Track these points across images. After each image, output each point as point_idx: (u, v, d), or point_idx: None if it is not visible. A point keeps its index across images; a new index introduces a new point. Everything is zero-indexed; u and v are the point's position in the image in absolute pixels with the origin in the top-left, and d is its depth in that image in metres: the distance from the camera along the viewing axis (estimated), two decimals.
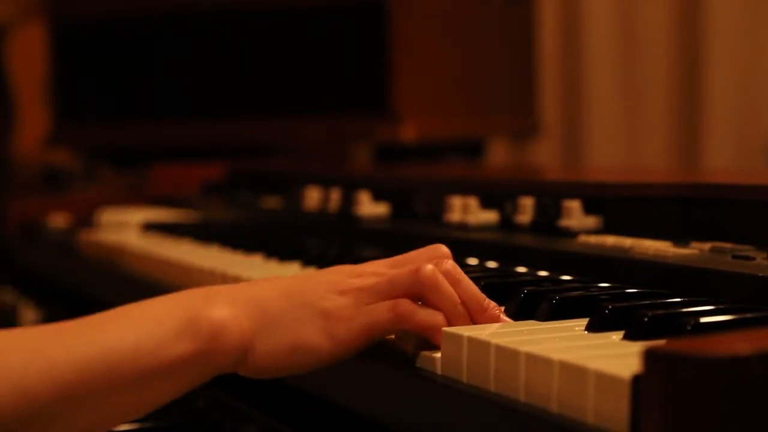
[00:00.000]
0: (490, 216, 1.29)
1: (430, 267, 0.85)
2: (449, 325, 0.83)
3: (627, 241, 1.05)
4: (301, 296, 0.85)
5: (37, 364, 0.78)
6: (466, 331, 0.79)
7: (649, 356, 0.60)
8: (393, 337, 0.87)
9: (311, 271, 0.90)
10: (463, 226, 1.29)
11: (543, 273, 1.03)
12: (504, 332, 0.80)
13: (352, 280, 0.86)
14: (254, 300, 0.84)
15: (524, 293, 0.88)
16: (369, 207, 1.49)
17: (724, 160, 2.83)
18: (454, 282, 0.85)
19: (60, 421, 0.79)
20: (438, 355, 0.81)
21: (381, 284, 0.85)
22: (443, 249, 0.90)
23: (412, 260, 0.88)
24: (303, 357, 0.84)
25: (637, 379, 0.62)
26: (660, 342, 0.65)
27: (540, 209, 1.23)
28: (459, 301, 0.85)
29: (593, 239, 1.10)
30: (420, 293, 0.84)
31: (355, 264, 0.90)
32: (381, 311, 0.84)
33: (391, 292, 0.85)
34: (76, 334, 0.81)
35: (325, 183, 1.63)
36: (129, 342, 0.80)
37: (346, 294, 0.85)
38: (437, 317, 0.83)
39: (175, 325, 0.81)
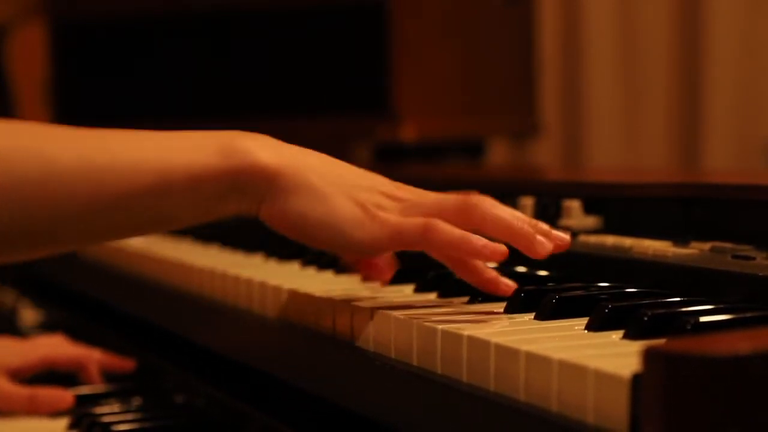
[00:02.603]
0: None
1: (478, 197, 0.88)
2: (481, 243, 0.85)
3: (627, 241, 1.05)
4: (346, 179, 0.88)
5: (71, 150, 0.83)
6: (466, 330, 0.79)
7: (648, 355, 0.60)
8: (393, 337, 0.87)
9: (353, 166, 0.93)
10: None
11: (543, 273, 1.03)
12: (504, 331, 0.80)
13: (397, 191, 0.89)
14: (299, 159, 0.87)
15: (524, 292, 0.88)
16: None
17: (724, 160, 2.83)
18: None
19: (83, 205, 0.82)
20: (438, 354, 0.81)
21: (426, 203, 0.88)
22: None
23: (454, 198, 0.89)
24: (330, 235, 0.86)
25: (636, 379, 0.62)
26: (660, 341, 0.65)
27: (540, 209, 1.22)
28: (513, 224, 0.87)
29: (593, 239, 1.10)
30: (468, 216, 0.87)
31: None
32: (414, 223, 0.85)
33: (436, 208, 0.87)
34: (108, 136, 0.89)
35: None
36: (161, 148, 0.86)
37: (390, 199, 0.87)
38: (467, 235, 0.85)
39: (208, 143, 0.87)
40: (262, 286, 1.09)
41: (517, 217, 0.88)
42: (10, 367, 1.36)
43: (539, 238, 0.87)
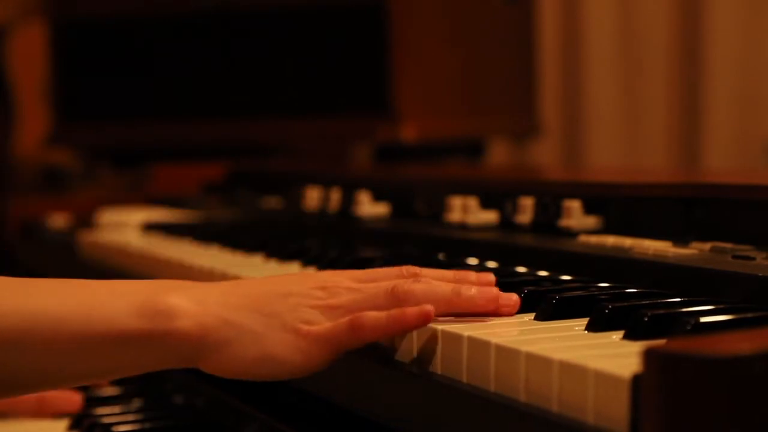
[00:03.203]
0: (490, 216, 1.29)
1: (404, 281, 0.85)
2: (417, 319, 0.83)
3: (627, 241, 1.05)
4: (269, 307, 0.85)
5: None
6: (466, 330, 0.79)
7: (649, 356, 0.60)
8: (393, 338, 0.87)
9: (282, 277, 0.91)
10: (463, 226, 1.29)
11: (543, 273, 1.03)
12: (504, 332, 0.80)
13: (322, 295, 0.86)
14: (221, 303, 0.84)
15: (524, 293, 0.88)
16: (369, 207, 1.49)
17: (724, 160, 2.83)
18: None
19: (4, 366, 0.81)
20: (438, 354, 0.81)
21: (358, 302, 0.85)
22: (413, 268, 0.90)
23: (385, 276, 0.89)
24: (273, 368, 0.84)
25: (637, 379, 0.62)
26: (660, 342, 0.65)
27: (540, 209, 1.23)
28: (442, 291, 0.85)
29: (593, 239, 1.10)
30: (400, 305, 0.84)
31: (346, 268, 0.91)
32: (341, 326, 0.84)
33: (366, 307, 0.85)
34: (36, 289, 0.84)
35: (325, 183, 1.63)
36: (84, 306, 0.82)
37: (317, 309, 0.85)
38: (396, 314, 0.83)
39: (130, 301, 0.83)
40: None
41: (453, 288, 0.86)
42: None
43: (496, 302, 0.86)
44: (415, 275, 0.89)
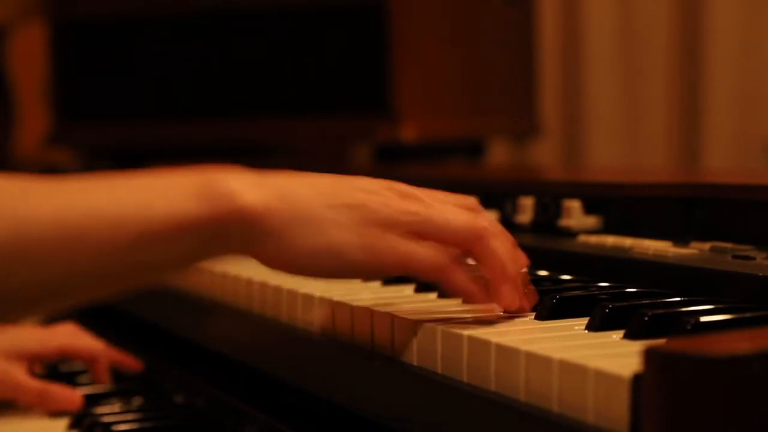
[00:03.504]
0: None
1: (488, 223, 0.83)
2: (484, 294, 0.83)
3: (627, 241, 1.05)
4: (339, 198, 0.81)
5: (43, 208, 0.76)
6: (466, 330, 0.79)
7: (649, 355, 0.60)
8: (393, 337, 0.87)
9: (355, 178, 0.85)
10: None
11: (543, 273, 1.03)
12: (504, 331, 0.80)
13: (400, 200, 0.82)
14: (286, 191, 0.81)
15: (524, 292, 0.88)
16: None
17: (724, 160, 2.83)
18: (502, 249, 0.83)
19: (62, 265, 0.76)
20: (438, 354, 0.81)
21: (435, 219, 0.82)
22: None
23: (465, 203, 0.85)
24: (332, 263, 0.80)
25: (637, 378, 0.62)
26: (660, 341, 0.65)
27: (540, 209, 1.23)
28: (508, 270, 0.83)
29: (593, 239, 1.10)
30: (471, 246, 0.82)
31: None
32: (427, 252, 0.81)
33: (443, 232, 0.82)
34: (86, 187, 0.79)
35: None
36: (141, 198, 0.78)
37: (389, 210, 0.81)
38: (475, 290, 0.83)
39: (188, 186, 0.79)
40: (263, 286, 1.09)
41: (514, 268, 0.85)
42: (29, 352, 1.36)
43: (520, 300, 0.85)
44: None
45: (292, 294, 1.03)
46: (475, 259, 0.84)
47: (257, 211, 0.79)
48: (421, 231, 0.82)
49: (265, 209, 0.79)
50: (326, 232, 0.80)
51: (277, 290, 1.06)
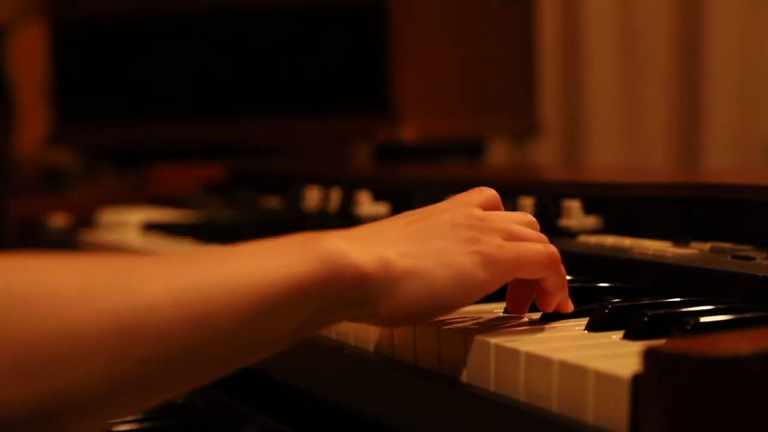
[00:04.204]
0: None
1: (552, 247, 0.82)
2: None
3: (627, 241, 1.05)
4: (433, 231, 0.79)
5: (156, 284, 0.69)
6: (466, 331, 0.79)
7: (648, 356, 0.60)
8: (392, 336, 0.87)
9: (422, 210, 0.83)
10: None
11: None
12: (504, 332, 0.80)
13: (477, 218, 0.81)
14: (382, 236, 0.78)
15: None
16: (369, 207, 1.49)
17: (724, 160, 2.83)
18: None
19: (180, 342, 0.69)
20: (438, 354, 0.81)
21: (523, 255, 0.80)
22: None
23: (525, 221, 0.84)
24: (462, 289, 0.77)
25: (636, 379, 0.62)
26: (660, 342, 0.65)
27: (540, 209, 1.23)
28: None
29: (593, 239, 1.10)
30: (548, 274, 0.82)
31: None
32: (537, 246, 0.81)
33: (531, 269, 0.81)
34: (198, 259, 0.74)
35: (325, 183, 1.63)
36: (255, 264, 0.72)
37: (477, 230, 0.80)
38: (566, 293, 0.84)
39: (299, 247, 0.74)
40: None
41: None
42: None
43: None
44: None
45: None
46: (546, 283, 0.84)
47: (370, 268, 0.75)
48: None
49: (383, 263, 0.75)
50: (437, 272, 0.77)
51: None
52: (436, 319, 0.83)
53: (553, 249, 0.81)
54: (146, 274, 0.70)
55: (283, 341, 0.75)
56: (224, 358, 0.73)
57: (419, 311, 0.78)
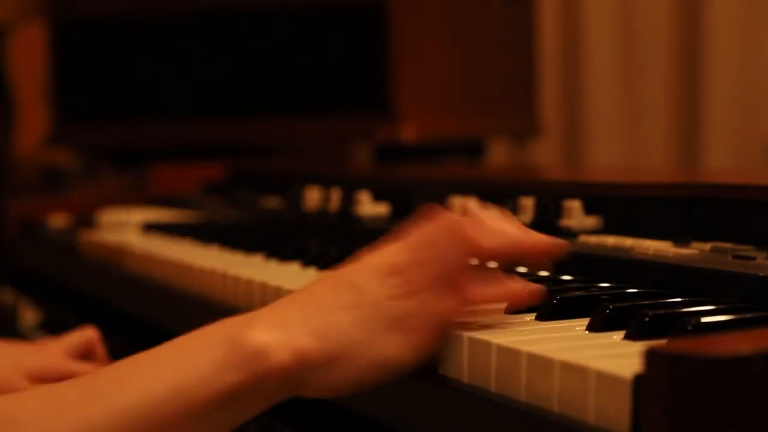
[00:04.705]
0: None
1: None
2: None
3: (627, 241, 1.05)
4: (355, 312, 0.78)
5: (80, 429, 0.73)
6: (466, 331, 0.79)
7: (650, 356, 0.60)
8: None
9: (338, 277, 0.81)
10: None
11: (543, 273, 1.03)
12: (504, 332, 0.80)
13: (398, 282, 0.79)
14: (306, 321, 0.77)
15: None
16: (369, 207, 1.49)
17: (724, 160, 2.83)
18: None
19: None
20: (438, 355, 0.81)
21: (436, 275, 0.79)
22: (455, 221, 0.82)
23: (431, 244, 0.81)
24: (384, 371, 0.78)
25: (638, 379, 0.62)
26: (661, 342, 0.65)
27: (540, 209, 1.22)
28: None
29: (593, 239, 1.10)
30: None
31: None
32: (449, 304, 0.79)
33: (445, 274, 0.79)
34: (110, 385, 0.76)
35: (325, 183, 1.63)
36: (173, 382, 0.75)
37: (402, 298, 0.78)
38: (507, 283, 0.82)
39: (215, 356, 0.75)
40: (263, 286, 1.09)
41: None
42: (30, 371, 1.34)
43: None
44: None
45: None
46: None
47: (292, 361, 0.76)
48: (435, 290, 0.80)
49: (300, 355, 0.76)
50: (366, 348, 0.77)
51: (278, 291, 1.06)
52: None
53: (452, 307, 0.79)
54: (65, 420, 0.74)
55: None
56: None
57: (346, 389, 0.78)
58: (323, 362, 0.76)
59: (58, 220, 1.98)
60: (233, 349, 0.75)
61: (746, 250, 0.96)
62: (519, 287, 0.83)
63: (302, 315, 0.78)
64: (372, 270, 0.80)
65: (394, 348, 0.78)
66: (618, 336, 0.77)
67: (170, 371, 0.75)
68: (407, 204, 1.46)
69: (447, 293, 0.79)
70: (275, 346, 0.75)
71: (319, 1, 2.25)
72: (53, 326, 1.69)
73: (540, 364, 0.71)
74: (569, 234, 1.16)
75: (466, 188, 1.36)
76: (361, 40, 2.21)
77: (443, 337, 0.81)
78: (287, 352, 0.75)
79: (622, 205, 1.17)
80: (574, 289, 0.91)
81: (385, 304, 0.78)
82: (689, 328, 0.73)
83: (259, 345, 0.75)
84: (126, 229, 1.72)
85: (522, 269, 1.06)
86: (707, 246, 0.99)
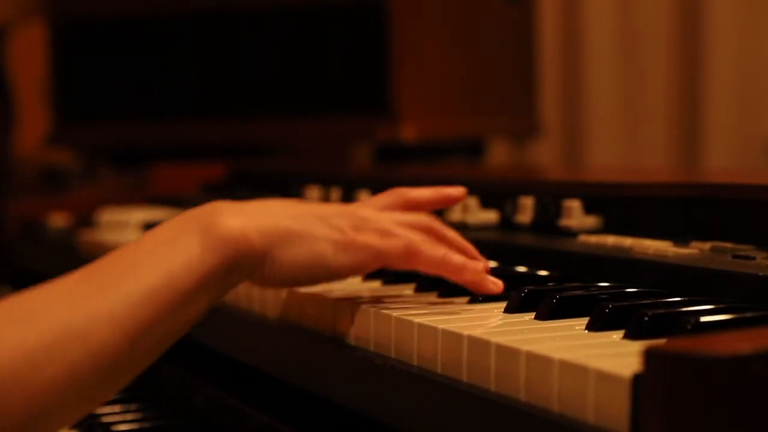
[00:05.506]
0: (490, 216, 1.30)
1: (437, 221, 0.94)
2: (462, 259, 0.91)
3: (627, 241, 1.05)
4: (311, 213, 0.90)
5: (99, 318, 0.80)
6: (467, 329, 0.79)
7: (649, 355, 0.60)
8: (392, 337, 0.87)
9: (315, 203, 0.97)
10: (463, 226, 1.29)
11: (543, 272, 1.03)
12: (504, 331, 0.80)
13: (362, 209, 0.93)
14: (266, 213, 0.90)
15: (525, 292, 0.88)
16: None
17: (724, 160, 2.83)
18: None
19: (124, 362, 0.82)
20: (438, 354, 0.81)
21: (396, 220, 0.93)
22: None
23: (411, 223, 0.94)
24: (318, 268, 0.89)
25: (637, 378, 0.62)
26: (660, 341, 0.65)
27: (540, 209, 1.23)
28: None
29: (593, 239, 1.10)
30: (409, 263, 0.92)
31: None
32: (397, 245, 0.89)
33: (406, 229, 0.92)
34: (113, 278, 0.84)
35: (325, 183, 1.63)
36: (162, 270, 0.83)
37: (360, 218, 0.92)
38: (450, 256, 0.91)
39: (195, 242, 0.85)
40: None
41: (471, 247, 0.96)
42: None
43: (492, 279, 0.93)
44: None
45: (293, 294, 1.03)
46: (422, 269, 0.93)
47: (259, 243, 0.88)
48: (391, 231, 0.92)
49: (264, 238, 0.88)
50: (307, 242, 0.89)
51: (277, 290, 1.06)
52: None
53: (410, 241, 0.90)
54: (84, 311, 0.81)
55: (194, 320, 0.86)
56: (148, 350, 0.84)
57: (288, 279, 0.90)
58: (276, 246, 0.88)
59: (58, 220, 1.98)
60: (207, 233, 0.86)
61: (746, 249, 0.96)
62: (468, 263, 0.91)
63: (260, 208, 0.91)
64: (335, 204, 0.97)
65: (333, 244, 0.89)
66: (617, 335, 0.77)
67: (158, 261, 0.84)
68: None
69: (401, 242, 0.90)
70: (244, 230, 0.87)
71: (319, 1, 2.25)
72: None
73: (539, 363, 0.71)
74: (569, 234, 1.16)
75: (466, 188, 1.35)
76: (361, 40, 2.21)
77: (443, 336, 0.81)
78: (255, 234, 0.87)
79: (622, 205, 1.17)
80: (574, 289, 0.91)
81: (336, 217, 0.91)
82: (688, 327, 0.73)
83: (231, 230, 0.87)
84: (126, 229, 1.72)
85: (521, 268, 1.06)
86: (707, 246, 0.99)
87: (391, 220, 0.93)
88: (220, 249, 0.86)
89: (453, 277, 0.91)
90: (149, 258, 0.85)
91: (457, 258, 0.91)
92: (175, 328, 0.85)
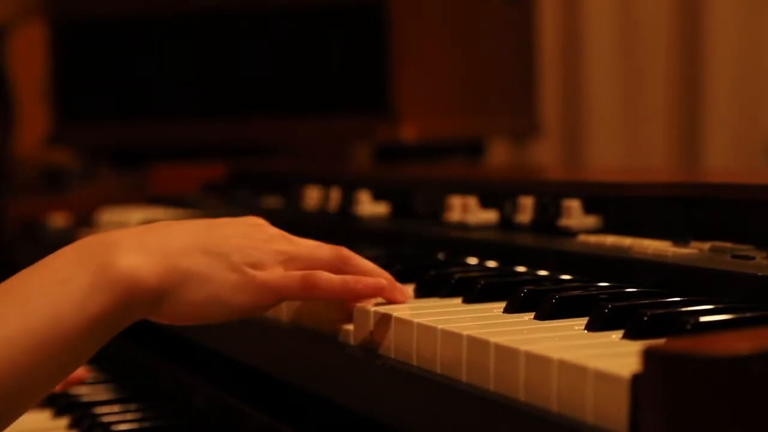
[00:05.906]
0: (490, 216, 1.29)
1: (347, 250, 0.93)
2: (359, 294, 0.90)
3: (627, 241, 1.05)
4: (215, 248, 0.87)
5: None
6: (466, 329, 0.79)
7: (648, 355, 0.60)
8: (392, 338, 0.87)
9: (221, 219, 0.94)
10: (462, 226, 1.29)
11: (543, 272, 1.03)
12: (504, 331, 0.80)
13: (264, 237, 0.90)
14: (166, 248, 0.86)
15: (524, 292, 0.88)
16: (369, 207, 1.49)
17: (724, 160, 2.83)
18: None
19: (9, 400, 0.80)
20: (438, 354, 0.81)
21: (302, 253, 0.91)
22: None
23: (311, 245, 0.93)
24: (220, 309, 0.87)
25: (636, 378, 0.62)
26: (659, 341, 0.65)
27: (540, 209, 1.23)
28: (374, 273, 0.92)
29: (593, 239, 1.10)
30: (341, 267, 0.91)
31: None
32: (294, 279, 0.88)
33: (311, 262, 0.91)
34: (1, 319, 0.81)
35: (325, 183, 1.63)
36: (48, 313, 0.81)
37: (261, 252, 0.89)
38: (347, 281, 0.90)
39: (86, 281, 0.82)
40: None
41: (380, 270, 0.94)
42: None
43: (399, 288, 0.93)
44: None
45: None
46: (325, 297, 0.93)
47: (153, 284, 0.84)
48: (290, 266, 0.90)
49: (158, 279, 0.84)
50: (207, 283, 0.86)
51: None
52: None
53: (305, 274, 0.89)
54: None
55: (84, 358, 0.85)
56: (36, 388, 0.82)
57: (187, 317, 0.88)
58: (174, 288, 0.85)
59: (58, 220, 1.98)
60: (101, 272, 0.83)
61: (745, 249, 0.96)
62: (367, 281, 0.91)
63: (163, 242, 0.87)
64: (244, 219, 0.93)
65: (234, 291, 0.87)
66: (617, 335, 0.77)
67: (48, 302, 0.81)
68: (407, 204, 1.46)
69: (299, 276, 0.89)
70: (140, 270, 0.84)
71: (319, 1, 2.25)
72: None
73: (538, 363, 0.71)
74: (569, 233, 1.16)
75: (466, 188, 1.35)
76: (362, 40, 2.21)
77: (442, 336, 0.81)
78: (149, 275, 0.84)
79: (622, 205, 1.17)
80: (574, 289, 0.91)
81: (243, 248, 0.88)
82: (688, 327, 0.73)
83: (126, 270, 0.83)
84: None
85: (521, 268, 1.06)
86: (706, 246, 0.99)
87: (290, 253, 0.90)
88: (114, 288, 0.82)
89: (356, 301, 0.91)
90: (36, 299, 0.82)
91: (356, 281, 0.90)
92: (60, 366, 0.82)
